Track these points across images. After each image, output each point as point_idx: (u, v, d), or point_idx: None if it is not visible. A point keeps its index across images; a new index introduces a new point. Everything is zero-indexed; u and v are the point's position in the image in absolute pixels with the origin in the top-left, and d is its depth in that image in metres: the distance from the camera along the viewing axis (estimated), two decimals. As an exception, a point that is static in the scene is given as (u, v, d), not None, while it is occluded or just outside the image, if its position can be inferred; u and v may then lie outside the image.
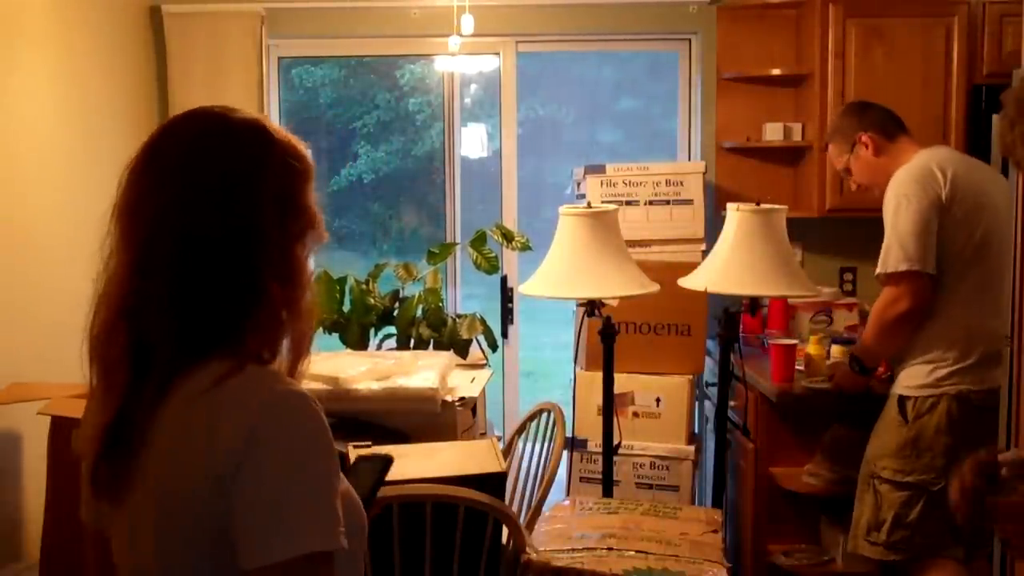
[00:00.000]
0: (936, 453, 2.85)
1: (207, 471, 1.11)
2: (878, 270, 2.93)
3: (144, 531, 1.18)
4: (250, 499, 1.10)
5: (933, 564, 2.90)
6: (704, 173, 4.09)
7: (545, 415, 3.13)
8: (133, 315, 1.18)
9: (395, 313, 4.08)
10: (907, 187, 2.89)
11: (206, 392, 1.15)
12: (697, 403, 4.08)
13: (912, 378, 2.91)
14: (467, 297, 4.96)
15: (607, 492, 3.30)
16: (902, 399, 2.92)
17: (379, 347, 4.07)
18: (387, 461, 1.50)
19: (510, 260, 4.52)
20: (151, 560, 1.18)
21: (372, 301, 4.02)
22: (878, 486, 2.93)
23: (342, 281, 4.01)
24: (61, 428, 2.93)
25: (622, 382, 3.57)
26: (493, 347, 4.08)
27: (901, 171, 2.95)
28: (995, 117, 2.46)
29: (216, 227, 1.18)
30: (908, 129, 3.12)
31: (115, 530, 1.25)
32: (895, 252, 2.86)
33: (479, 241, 4.18)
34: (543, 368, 7.63)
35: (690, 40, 4.51)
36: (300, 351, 1.24)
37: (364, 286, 4.04)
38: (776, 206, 3.17)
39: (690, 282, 3.21)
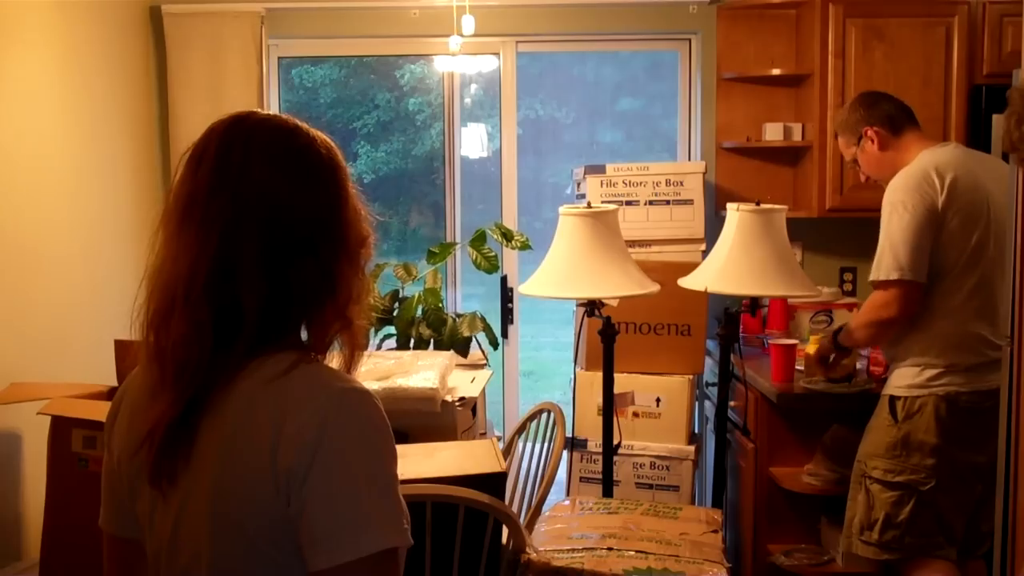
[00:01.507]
0: (925, 453, 2.86)
1: (273, 467, 1.11)
2: (871, 276, 2.93)
3: (194, 527, 1.17)
4: (323, 497, 1.10)
5: (926, 564, 2.90)
6: (704, 173, 4.09)
7: (545, 415, 3.13)
8: (215, 289, 1.16)
9: (395, 313, 4.09)
10: (903, 194, 2.87)
11: (272, 382, 1.15)
12: (697, 403, 4.08)
13: (902, 379, 2.93)
14: (467, 297, 4.96)
15: (607, 492, 3.30)
16: (892, 399, 2.93)
17: (379, 347, 4.07)
18: None
19: (510, 260, 4.52)
20: (202, 558, 1.16)
21: (372, 301, 4.01)
22: (869, 486, 2.94)
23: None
24: (61, 428, 2.93)
25: (622, 382, 3.58)
26: (494, 345, 4.08)
27: (899, 175, 2.93)
28: (996, 117, 2.47)
29: (307, 208, 1.20)
30: (917, 122, 3.08)
31: (158, 525, 1.22)
32: (887, 260, 2.85)
33: (479, 240, 4.19)
34: (543, 368, 7.63)
35: (690, 40, 4.51)
36: (356, 347, 1.25)
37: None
38: (776, 206, 3.17)
39: (690, 282, 3.21)
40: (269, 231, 1.17)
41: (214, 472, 1.15)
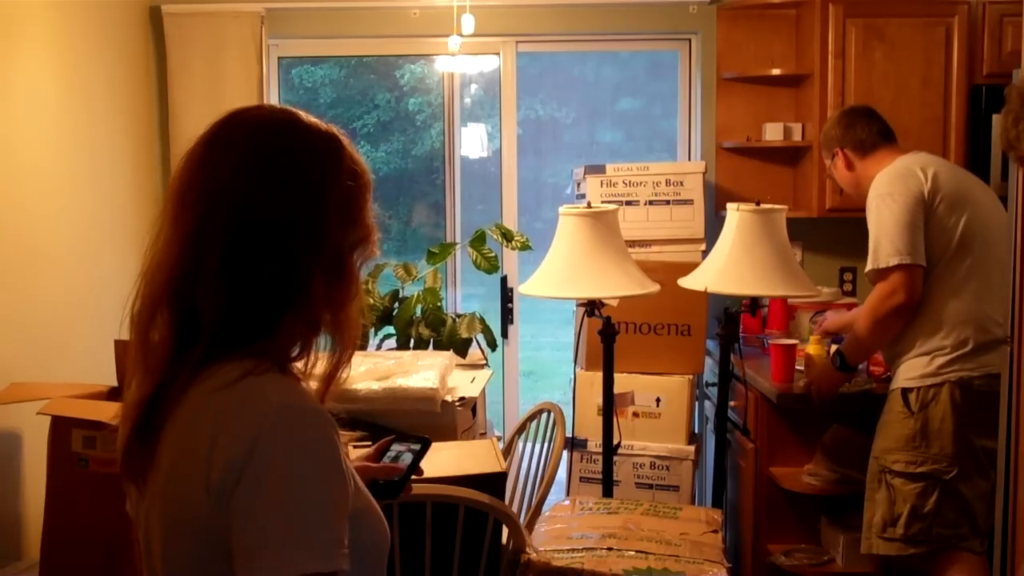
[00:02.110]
0: (945, 441, 2.88)
1: (206, 480, 1.09)
2: (869, 267, 2.96)
3: (153, 531, 1.17)
4: (245, 515, 1.07)
5: (952, 558, 2.91)
6: (704, 173, 4.09)
7: (545, 415, 3.13)
8: (181, 290, 1.15)
9: (394, 313, 4.09)
10: (889, 186, 2.95)
11: (216, 393, 1.13)
12: (697, 403, 4.08)
13: (912, 370, 2.94)
14: (467, 297, 4.96)
15: (607, 492, 3.30)
16: (904, 392, 2.94)
17: (379, 347, 4.07)
18: (425, 443, 1.50)
19: (510, 260, 4.52)
20: (159, 560, 1.17)
21: (372, 301, 4.02)
22: (891, 480, 2.93)
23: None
24: (61, 428, 2.93)
25: (622, 382, 3.57)
26: (492, 346, 4.08)
27: (881, 173, 3.01)
28: (995, 116, 2.48)
29: (276, 209, 1.15)
30: (894, 138, 3.17)
31: (140, 523, 1.22)
32: (885, 247, 2.89)
33: (479, 241, 4.19)
34: (543, 368, 7.63)
35: (690, 40, 4.51)
36: (340, 360, 1.22)
37: (364, 286, 4.02)
38: (776, 206, 3.17)
39: (690, 282, 3.21)
40: (235, 233, 1.14)
41: (164, 478, 1.15)
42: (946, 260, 2.92)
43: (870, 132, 3.15)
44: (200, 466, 1.10)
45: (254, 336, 1.17)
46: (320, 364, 1.22)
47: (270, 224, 1.15)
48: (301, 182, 1.17)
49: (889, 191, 2.93)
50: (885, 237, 2.90)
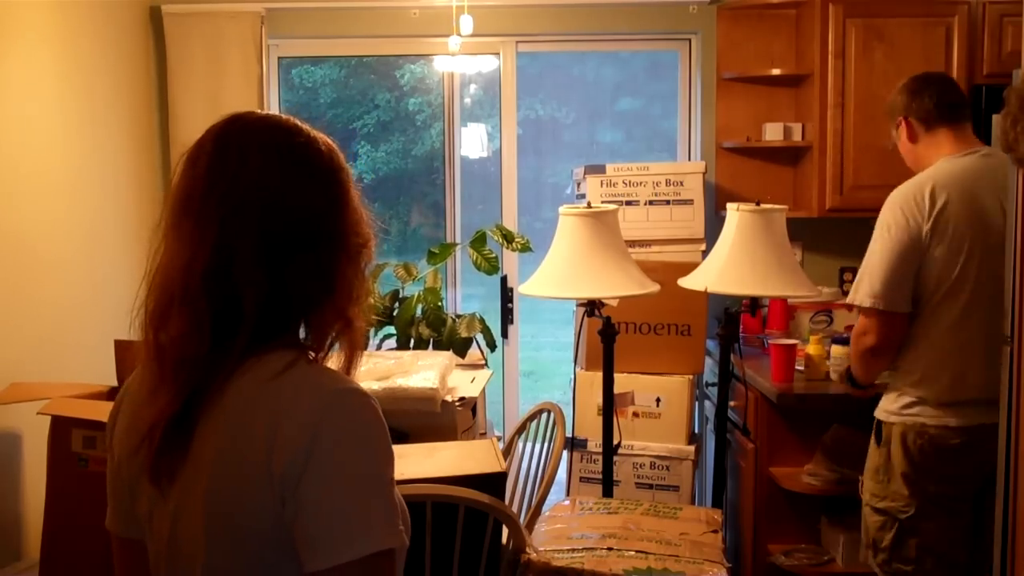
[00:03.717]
0: (900, 481, 2.76)
1: (268, 470, 1.11)
2: (848, 297, 2.85)
3: (191, 527, 1.16)
4: (317, 500, 1.10)
5: None
6: (704, 173, 4.09)
7: (545, 415, 3.13)
8: (212, 288, 1.15)
9: (395, 313, 4.09)
10: (892, 213, 2.74)
11: (268, 382, 1.15)
12: (697, 403, 4.08)
13: (885, 402, 2.83)
14: (467, 297, 4.96)
15: (607, 492, 3.30)
16: (879, 423, 2.84)
17: (379, 347, 4.07)
18: None
19: (510, 260, 4.52)
20: (198, 559, 1.16)
21: (372, 301, 4.01)
22: (863, 507, 2.88)
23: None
24: (61, 428, 2.93)
25: (622, 382, 3.58)
26: (492, 347, 4.08)
27: (902, 186, 2.80)
28: (995, 117, 2.46)
29: (301, 208, 1.19)
30: (960, 117, 2.86)
31: (156, 527, 1.22)
32: (864, 285, 2.75)
33: (479, 241, 4.19)
34: (543, 368, 7.63)
35: (690, 40, 4.51)
36: (355, 348, 1.25)
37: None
38: (776, 206, 3.17)
39: (690, 282, 3.21)
40: (266, 226, 1.16)
41: (210, 472, 1.14)
42: (933, 304, 2.73)
43: (938, 102, 2.85)
44: (259, 459, 1.11)
45: (283, 331, 1.20)
46: (332, 362, 1.24)
47: (300, 219, 1.19)
48: (323, 179, 1.22)
49: (889, 221, 2.73)
50: (868, 274, 2.75)
